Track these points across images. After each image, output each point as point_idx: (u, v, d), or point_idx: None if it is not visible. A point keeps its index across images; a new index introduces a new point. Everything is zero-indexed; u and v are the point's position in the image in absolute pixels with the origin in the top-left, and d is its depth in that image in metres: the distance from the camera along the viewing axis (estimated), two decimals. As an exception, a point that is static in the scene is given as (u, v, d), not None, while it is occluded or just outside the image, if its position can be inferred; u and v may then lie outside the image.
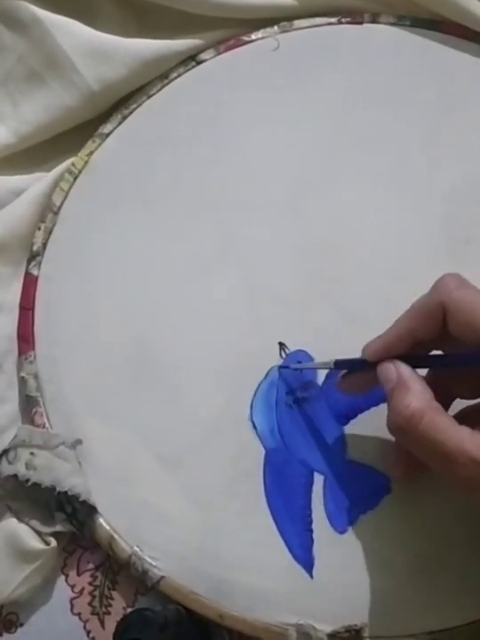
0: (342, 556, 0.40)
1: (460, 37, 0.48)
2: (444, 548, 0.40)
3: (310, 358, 0.43)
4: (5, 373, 0.48)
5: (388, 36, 0.49)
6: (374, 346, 0.37)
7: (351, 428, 0.42)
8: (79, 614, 0.44)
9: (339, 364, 0.39)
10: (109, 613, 0.44)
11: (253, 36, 0.50)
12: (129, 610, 0.43)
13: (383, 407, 0.41)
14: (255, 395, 0.43)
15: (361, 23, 0.49)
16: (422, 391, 0.34)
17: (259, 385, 0.44)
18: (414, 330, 0.36)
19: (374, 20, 0.49)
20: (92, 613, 0.44)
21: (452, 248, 0.44)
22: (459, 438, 0.32)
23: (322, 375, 0.43)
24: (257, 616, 0.40)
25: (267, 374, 0.44)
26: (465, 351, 0.35)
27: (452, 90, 0.47)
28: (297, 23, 0.50)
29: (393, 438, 0.38)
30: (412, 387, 0.34)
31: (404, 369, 0.35)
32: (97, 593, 0.44)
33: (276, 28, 0.50)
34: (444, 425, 0.33)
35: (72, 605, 0.44)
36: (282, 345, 0.44)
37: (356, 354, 0.42)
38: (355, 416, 0.42)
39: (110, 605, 0.44)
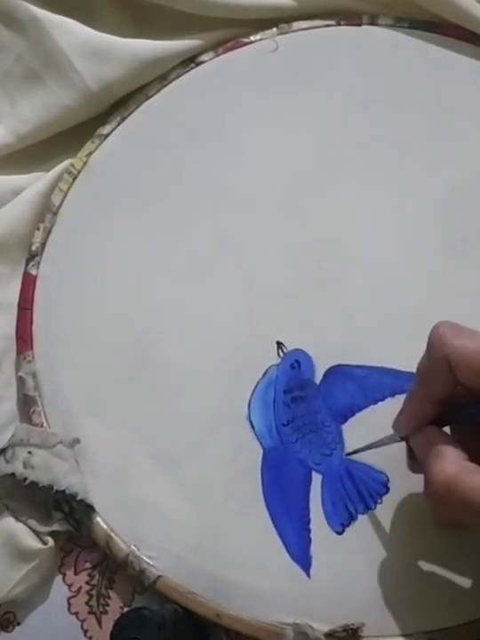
0: (340, 556, 0.40)
1: (458, 39, 0.48)
2: (441, 548, 0.40)
3: (308, 357, 0.43)
4: (3, 372, 0.48)
5: (386, 38, 0.49)
6: (400, 421, 0.36)
7: (349, 427, 0.42)
8: (76, 613, 0.44)
9: (373, 445, 0.39)
10: (106, 612, 0.43)
11: (252, 38, 0.51)
12: (126, 609, 0.43)
13: (381, 406, 0.41)
14: (253, 394, 0.43)
15: (359, 25, 0.50)
16: (455, 455, 0.33)
17: (256, 384, 0.44)
18: (431, 394, 0.35)
19: (373, 22, 0.50)
20: (90, 613, 0.44)
21: (449, 247, 0.44)
22: None
23: (319, 374, 0.43)
24: (254, 615, 0.40)
25: (264, 373, 0.44)
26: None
27: (450, 91, 0.48)
28: (296, 25, 0.50)
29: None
30: (444, 452, 0.33)
31: (435, 436, 0.34)
32: (94, 592, 0.44)
33: (274, 29, 0.50)
34: None
35: (69, 604, 0.44)
36: (279, 344, 0.44)
37: (352, 353, 0.43)
38: (353, 415, 0.42)
39: (107, 605, 0.44)
